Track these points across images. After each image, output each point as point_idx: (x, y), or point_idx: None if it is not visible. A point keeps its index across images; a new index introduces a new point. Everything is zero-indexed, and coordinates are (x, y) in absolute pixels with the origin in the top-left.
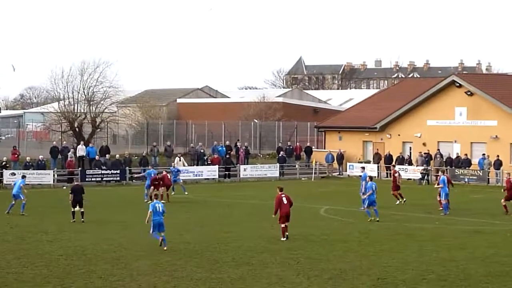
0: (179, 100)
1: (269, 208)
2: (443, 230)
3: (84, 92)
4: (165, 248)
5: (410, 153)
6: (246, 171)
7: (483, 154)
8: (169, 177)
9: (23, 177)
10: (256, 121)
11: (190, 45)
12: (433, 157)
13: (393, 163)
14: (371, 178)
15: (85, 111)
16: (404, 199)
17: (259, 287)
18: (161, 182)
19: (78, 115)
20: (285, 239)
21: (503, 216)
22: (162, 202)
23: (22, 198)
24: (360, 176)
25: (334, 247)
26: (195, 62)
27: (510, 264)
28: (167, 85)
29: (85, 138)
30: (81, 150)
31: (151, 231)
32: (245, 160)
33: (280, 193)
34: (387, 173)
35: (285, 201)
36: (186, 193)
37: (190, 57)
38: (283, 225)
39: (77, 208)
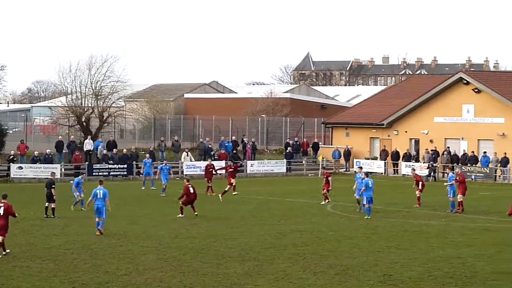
0: (186, 95)
1: (276, 204)
2: (450, 227)
3: (91, 87)
4: (98, 231)
5: (418, 149)
6: (253, 166)
7: (484, 152)
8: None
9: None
10: (264, 116)
11: (198, 40)
12: (440, 154)
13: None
14: (367, 174)
15: (92, 105)
16: (328, 201)
17: (265, 282)
18: (213, 171)
19: (85, 110)
20: (183, 215)
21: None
22: (213, 195)
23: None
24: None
25: (340, 243)
26: (203, 57)
27: None
28: (175, 80)
29: (93, 132)
30: (88, 145)
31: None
32: (252, 156)
33: (187, 183)
34: (394, 170)
35: (191, 190)
36: (153, 187)
37: (198, 52)
38: (184, 206)
39: (47, 204)
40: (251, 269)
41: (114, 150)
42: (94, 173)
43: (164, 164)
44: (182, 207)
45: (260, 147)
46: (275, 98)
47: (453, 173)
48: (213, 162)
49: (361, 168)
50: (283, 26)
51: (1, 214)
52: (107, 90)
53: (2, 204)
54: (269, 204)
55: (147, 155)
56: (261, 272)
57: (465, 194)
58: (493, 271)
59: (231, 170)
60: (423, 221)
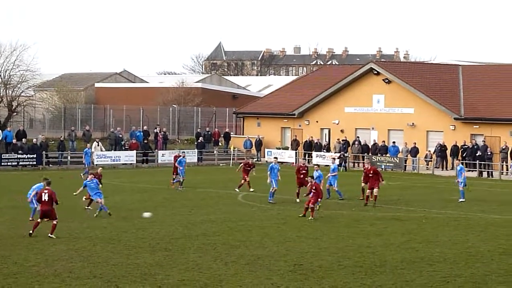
0: (97, 85)
1: (187, 194)
2: (360, 217)
3: (0, 76)
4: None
5: (329, 139)
6: (164, 156)
7: (393, 142)
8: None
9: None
10: (175, 106)
11: (108, 28)
12: (350, 144)
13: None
14: (318, 166)
15: (1, 94)
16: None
17: (176, 272)
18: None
19: None
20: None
21: (419, 203)
22: (252, 191)
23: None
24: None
25: (251, 233)
26: (113, 46)
27: (424, 250)
28: (85, 69)
29: (1, 122)
30: None
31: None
32: (163, 146)
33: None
34: (306, 160)
35: None
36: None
37: (109, 41)
38: None
39: None
40: (161, 259)
41: (24, 140)
42: (3, 163)
43: (182, 157)
44: None
45: (171, 137)
46: (186, 87)
47: (337, 164)
48: (181, 154)
49: (276, 158)
50: (194, 15)
51: (46, 200)
52: (16, 79)
53: (46, 191)
54: (180, 194)
55: (88, 145)
56: (172, 262)
57: (374, 187)
58: (401, 260)
59: (248, 169)
60: (333, 210)
